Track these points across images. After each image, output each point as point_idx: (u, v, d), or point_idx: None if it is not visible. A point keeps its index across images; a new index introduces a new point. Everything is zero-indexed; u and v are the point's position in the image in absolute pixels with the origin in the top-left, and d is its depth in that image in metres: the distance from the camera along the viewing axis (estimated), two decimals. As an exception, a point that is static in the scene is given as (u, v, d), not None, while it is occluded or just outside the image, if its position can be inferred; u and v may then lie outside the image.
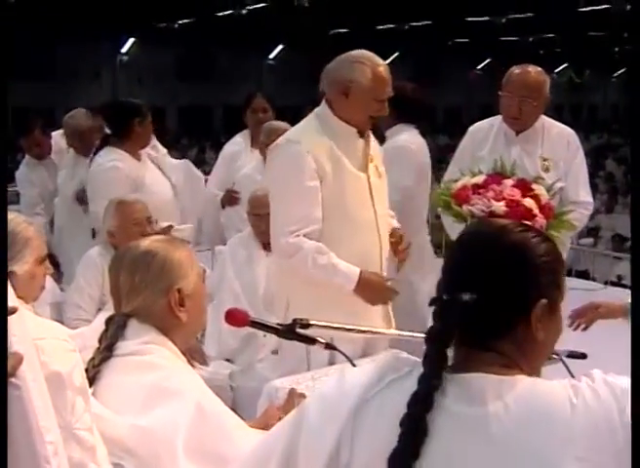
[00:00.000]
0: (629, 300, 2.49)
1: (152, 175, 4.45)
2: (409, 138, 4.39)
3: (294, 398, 2.33)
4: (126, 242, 3.64)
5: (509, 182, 3.29)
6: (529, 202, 3.20)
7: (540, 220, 3.15)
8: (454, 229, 3.41)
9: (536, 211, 3.18)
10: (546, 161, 3.84)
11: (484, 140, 3.94)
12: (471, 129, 4.10)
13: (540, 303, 1.37)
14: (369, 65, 3.10)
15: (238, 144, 5.14)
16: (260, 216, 3.95)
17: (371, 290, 3.07)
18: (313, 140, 3.08)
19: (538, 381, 1.36)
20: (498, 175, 3.36)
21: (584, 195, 3.88)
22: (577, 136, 4.00)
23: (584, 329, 3.11)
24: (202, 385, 2.00)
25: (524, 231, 1.42)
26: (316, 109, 3.21)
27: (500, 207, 3.17)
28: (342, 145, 3.11)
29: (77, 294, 3.84)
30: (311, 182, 3.03)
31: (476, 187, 3.28)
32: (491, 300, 1.36)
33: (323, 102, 3.19)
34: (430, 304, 1.38)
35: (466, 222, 3.18)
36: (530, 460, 1.26)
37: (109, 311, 2.11)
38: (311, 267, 3.03)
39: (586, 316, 3.11)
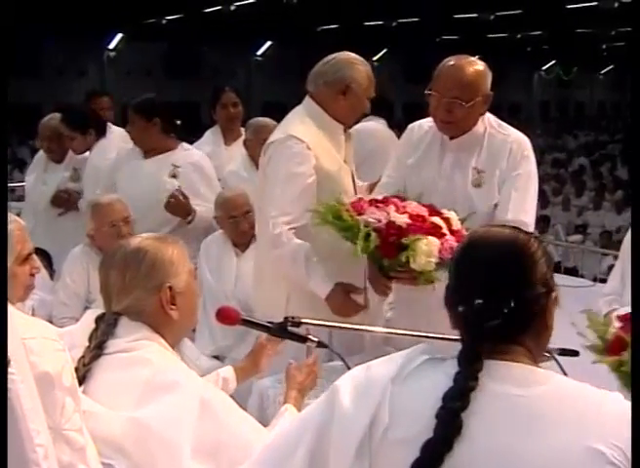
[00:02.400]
0: None
1: None
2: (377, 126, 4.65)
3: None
4: (104, 244, 3.70)
5: (414, 203, 2.97)
6: (437, 220, 2.89)
7: (451, 242, 2.81)
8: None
9: (445, 230, 2.87)
10: (480, 173, 3.15)
11: (419, 143, 3.28)
12: (410, 127, 3.42)
13: (553, 296, 1.51)
14: (363, 66, 3.29)
15: (209, 143, 5.06)
16: (235, 218, 3.95)
17: (337, 305, 3.07)
18: (313, 137, 3.19)
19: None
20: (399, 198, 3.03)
21: (516, 213, 3.06)
22: (528, 143, 3.22)
23: None
24: (201, 380, 1.98)
25: (520, 233, 1.53)
26: (303, 106, 3.32)
27: (401, 218, 2.84)
28: (333, 141, 3.27)
29: (63, 292, 3.84)
30: (310, 179, 3.14)
31: (374, 201, 2.96)
32: (519, 302, 1.45)
33: (309, 100, 3.30)
34: (463, 309, 1.47)
35: (352, 238, 2.85)
36: (569, 432, 1.37)
37: (97, 309, 2.09)
38: (290, 266, 3.10)
39: None
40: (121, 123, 4.99)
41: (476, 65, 3.11)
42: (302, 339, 2.29)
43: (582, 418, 1.38)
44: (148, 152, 4.42)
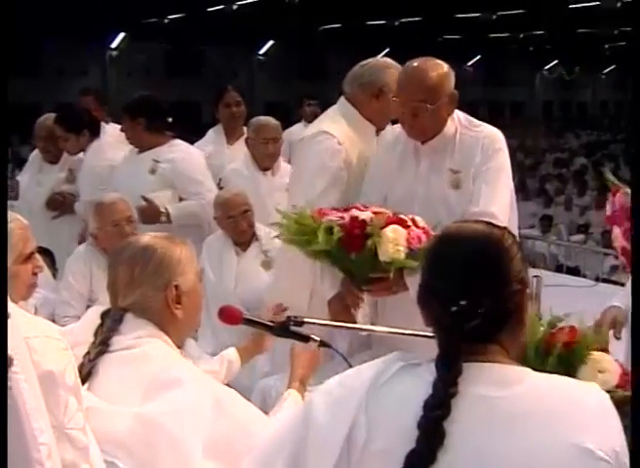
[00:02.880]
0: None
1: None
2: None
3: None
4: (108, 243, 3.71)
5: (384, 209, 2.94)
6: (403, 216, 2.86)
7: (418, 232, 2.78)
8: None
9: (410, 223, 2.83)
10: (457, 174, 3.09)
11: (393, 150, 3.21)
12: (382, 134, 3.39)
13: (527, 292, 1.49)
14: (396, 72, 3.29)
15: (212, 142, 5.09)
16: (234, 218, 3.95)
17: (333, 312, 3.05)
18: (344, 135, 3.27)
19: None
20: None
21: (484, 205, 3.00)
22: (499, 137, 3.17)
23: None
24: (208, 376, 1.99)
25: (494, 229, 1.51)
26: (337, 106, 3.43)
27: (364, 213, 2.80)
28: (364, 141, 3.34)
29: (66, 292, 3.83)
30: (340, 173, 3.22)
31: (337, 209, 2.92)
32: (497, 301, 1.43)
33: (344, 100, 3.40)
34: (439, 310, 1.44)
35: (314, 246, 2.79)
36: (552, 430, 1.35)
37: (99, 306, 2.10)
38: (311, 261, 3.06)
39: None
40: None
41: (437, 67, 3.05)
42: (305, 339, 2.28)
43: (563, 415, 1.37)
44: (140, 150, 4.48)
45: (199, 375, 1.95)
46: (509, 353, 1.47)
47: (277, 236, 3.10)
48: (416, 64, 3.07)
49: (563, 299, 3.67)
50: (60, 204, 4.86)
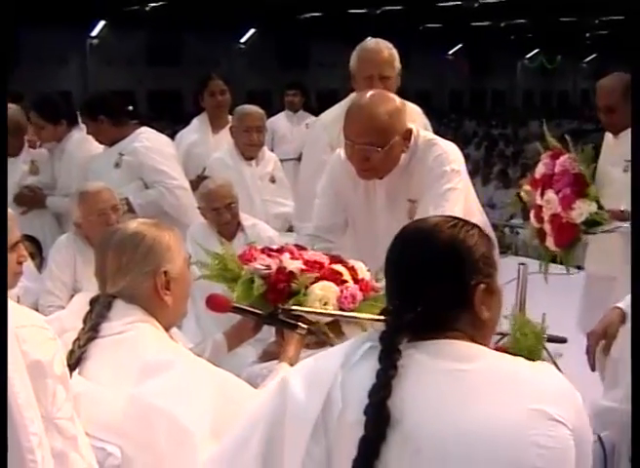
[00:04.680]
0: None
1: None
2: None
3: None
4: (92, 232, 3.68)
5: (312, 251, 2.63)
6: (339, 267, 2.52)
7: (353, 290, 2.43)
8: None
9: (347, 277, 2.48)
10: (414, 204, 2.95)
11: (346, 177, 3.04)
12: (332, 160, 3.17)
13: (480, 289, 1.50)
14: (357, 53, 3.59)
15: (197, 131, 5.08)
16: (218, 210, 3.91)
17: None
18: (335, 117, 3.50)
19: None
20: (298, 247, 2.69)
21: None
22: (451, 156, 2.95)
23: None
24: (202, 360, 1.99)
25: (453, 226, 1.54)
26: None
27: (294, 264, 2.46)
28: None
29: (50, 281, 3.81)
30: (325, 155, 3.38)
31: (268, 249, 2.60)
32: (439, 298, 1.49)
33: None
34: (382, 313, 1.53)
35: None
36: (512, 399, 1.42)
37: (86, 292, 2.10)
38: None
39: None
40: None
41: (387, 104, 2.82)
42: (293, 327, 2.29)
43: (519, 386, 1.43)
44: (109, 145, 4.48)
45: (192, 358, 1.96)
46: (476, 341, 1.52)
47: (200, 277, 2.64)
48: (362, 103, 2.85)
49: (548, 286, 3.70)
50: (30, 199, 4.78)
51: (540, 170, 3.51)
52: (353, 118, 2.82)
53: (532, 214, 3.54)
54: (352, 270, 2.50)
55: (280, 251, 2.54)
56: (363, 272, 2.52)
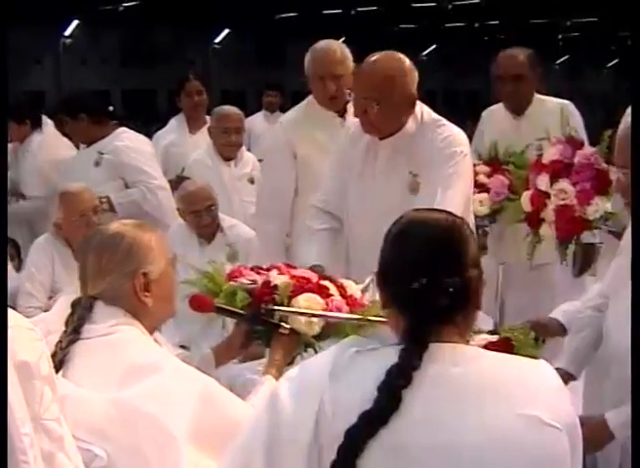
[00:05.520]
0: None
1: None
2: None
3: None
4: (72, 233, 3.67)
5: (310, 272, 2.54)
6: (327, 283, 2.43)
7: (339, 303, 2.35)
8: None
9: (334, 292, 2.40)
10: (416, 177, 2.99)
11: (356, 142, 3.16)
12: (348, 125, 3.38)
13: (480, 276, 1.53)
14: (312, 54, 3.62)
15: (173, 131, 5.10)
16: (197, 212, 3.89)
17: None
18: (293, 119, 3.72)
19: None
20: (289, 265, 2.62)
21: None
22: (460, 139, 3.04)
23: None
24: (187, 365, 1.98)
25: (454, 217, 1.58)
26: None
27: (280, 278, 2.38)
28: (322, 126, 3.65)
29: (28, 282, 3.80)
30: (279, 155, 3.66)
31: (257, 268, 2.53)
32: (456, 282, 1.48)
33: None
34: (408, 288, 1.47)
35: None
36: (501, 403, 1.42)
37: (71, 294, 2.08)
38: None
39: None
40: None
41: (393, 65, 2.93)
42: (276, 326, 2.29)
43: (513, 390, 1.43)
44: (88, 144, 4.47)
45: (177, 362, 1.95)
46: (464, 335, 1.53)
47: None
48: (372, 59, 2.98)
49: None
50: None
51: (550, 155, 3.29)
52: (358, 74, 3.06)
53: (527, 196, 3.35)
54: (341, 287, 2.46)
55: (269, 269, 2.51)
56: (352, 289, 2.48)
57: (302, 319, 2.28)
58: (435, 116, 3.10)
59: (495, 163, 3.72)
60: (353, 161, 3.16)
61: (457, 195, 2.95)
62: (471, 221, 3.11)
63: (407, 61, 2.98)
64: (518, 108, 3.86)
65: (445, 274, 1.47)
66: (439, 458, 1.39)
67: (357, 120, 3.12)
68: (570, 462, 1.44)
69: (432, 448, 1.39)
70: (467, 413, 1.41)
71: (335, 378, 1.47)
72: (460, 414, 1.41)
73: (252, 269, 2.51)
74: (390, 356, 1.45)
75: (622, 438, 2.06)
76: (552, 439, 1.41)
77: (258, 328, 2.35)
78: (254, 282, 2.40)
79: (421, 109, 3.07)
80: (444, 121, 3.09)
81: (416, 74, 2.98)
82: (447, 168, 2.96)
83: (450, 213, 1.61)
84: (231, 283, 2.40)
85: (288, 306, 2.31)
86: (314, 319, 2.29)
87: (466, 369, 1.45)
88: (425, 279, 1.46)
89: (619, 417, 2.08)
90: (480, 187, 3.57)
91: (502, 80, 3.84)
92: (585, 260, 3.58)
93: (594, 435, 2.08)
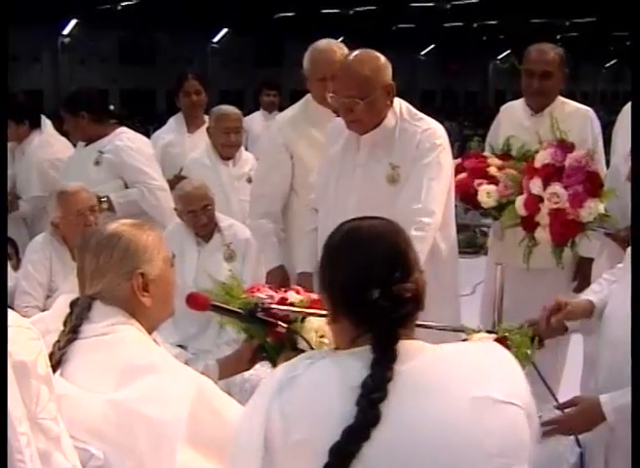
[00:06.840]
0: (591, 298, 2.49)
1: None
2: None
3: None
4: (69, 233, 3.67)
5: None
6: None
7: None
8: None
9: None
10: (395, 169, 3.09)
11: (337, 138, 3.26)
12: (331, 122, 3.43)
13: (422, 276, 1.56)
14: (311, 54, 3.64)
15: (171, 131, 5.10)
16: (194, 212, 3.89)
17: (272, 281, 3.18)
18: (289, 119, 3.71)
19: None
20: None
21: (427, 201, 2.99)
22: (440, 132, 3.14)
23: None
24: (185, 366, 1.98)
25: (391, 222, 1.61)
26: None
27: (297, 297, 2.44)
28: (319, 125, 3.62)
29: (26, 281, 3.79)
30: (280, 155, 3.65)
31: (277, 288, 2.56)
32: (417, 287, 1.52)
33: None
34: (372, 297, 1.49)
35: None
36: (454, 390, 1.44)
37: (70, 294, 2.08)
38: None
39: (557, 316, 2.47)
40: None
41: (370, 60, 3.05)
42: (273, 325, 2.29)
43: (465, 374, 1.46)
44: (87, 143, 4.46)
45: (175, 362, 1.95)
46: (411, 335, 1.54)
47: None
48: (349, 58, 3.08)
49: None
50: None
51: (542, 158, 3.34)
52: (339, 75, 3.10)
53: (521, 201, 3.36)
54: None
55: (287, 290, 2.53)
56: None
57: (313, 339, 2.29)
58: (414, 110, 3.18)
59: (507, 157, 3.71)
60: (334, 157, 3.24)
61: (440, 185, 3.06)
62: (452, 213, 3.22)
63: (380, 55, 3.09)
64: (539, 105, 3.82)
65: (398, 280, 1.49)
66: (414, 459, 1.40)
67: (338, 118, 3.23)
68: (529, 439, 1.46)
69: (407, 450, 1.40)
70: (421, 408, 1.42)
71: (285, 389, 1.48)
72: (416, 410, 1.42)
73: (270, 288, 2.53)
74: (347, 362, 1.47)
75: (613, 422, 2.09)
76: (510, 416, 1.43)
77: (254, 325, 2.35)
78: (271, 297, 2.42)
79: (400, 104, 3.16)
80: (422, 115, 3.18)
81: (389, 66, 3.08)
82: (429, 159, 3.06)
83: (385, 219, 1.62)
84: (249, 296, 2.42)
85: (301, 322, 2.32)
86: (325, 339, 2.29)
87: (411, 363, 1.46)
88: (379, 289, 1.48)
89: (613, 402, 2.10)
90: (490, 179, 3.56)
91: (530, 74, 3.82)
92: (584, 277, 3.67)
93: (587, 415, 2.15)
